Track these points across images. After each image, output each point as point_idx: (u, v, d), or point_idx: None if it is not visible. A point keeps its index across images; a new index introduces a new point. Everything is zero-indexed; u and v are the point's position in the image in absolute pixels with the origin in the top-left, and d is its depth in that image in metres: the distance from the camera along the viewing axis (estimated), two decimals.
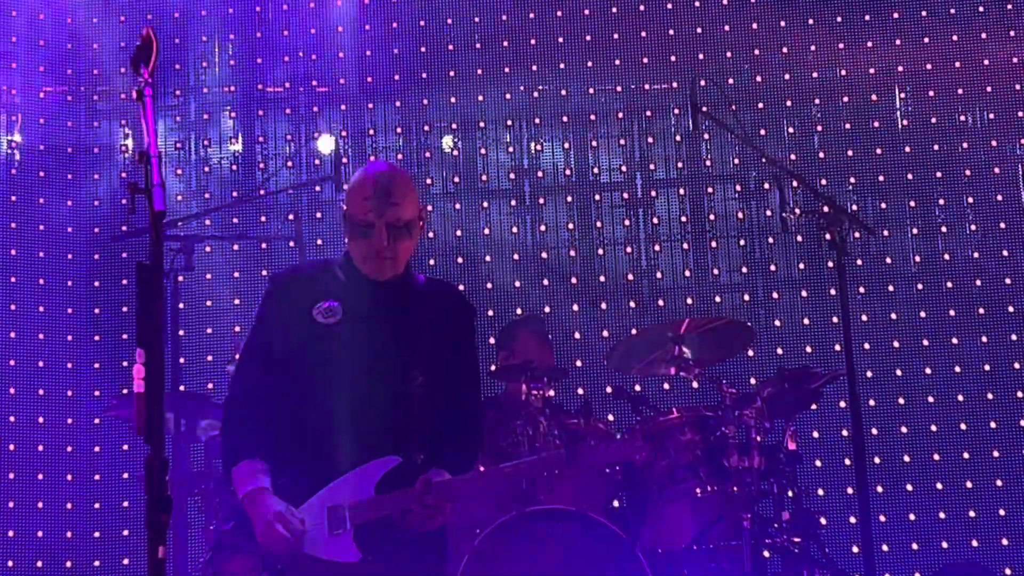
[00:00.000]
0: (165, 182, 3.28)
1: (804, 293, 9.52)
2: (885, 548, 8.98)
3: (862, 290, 9.38)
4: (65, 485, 9.38)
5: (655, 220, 9.83)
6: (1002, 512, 9.13)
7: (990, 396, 9.32)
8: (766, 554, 6.58)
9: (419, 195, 4.82)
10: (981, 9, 9.84)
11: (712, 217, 9.81)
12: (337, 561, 4.45)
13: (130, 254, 9.34)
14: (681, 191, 9.89)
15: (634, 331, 9.20)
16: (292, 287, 4.74)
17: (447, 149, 10.09)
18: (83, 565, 9.25)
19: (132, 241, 8.34)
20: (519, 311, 9.46)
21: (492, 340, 8.07)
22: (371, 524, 4.46)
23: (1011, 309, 9.43)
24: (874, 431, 9.14)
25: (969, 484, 9.20)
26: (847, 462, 8.66)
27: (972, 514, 9.16)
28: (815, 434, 9.12)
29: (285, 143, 10.08)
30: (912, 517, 9.19)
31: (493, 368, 7.30)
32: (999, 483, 9.16)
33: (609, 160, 10.05)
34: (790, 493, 6.67)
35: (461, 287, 9.01)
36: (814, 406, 7.01)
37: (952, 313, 9.46)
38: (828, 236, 6.36)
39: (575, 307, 9.61)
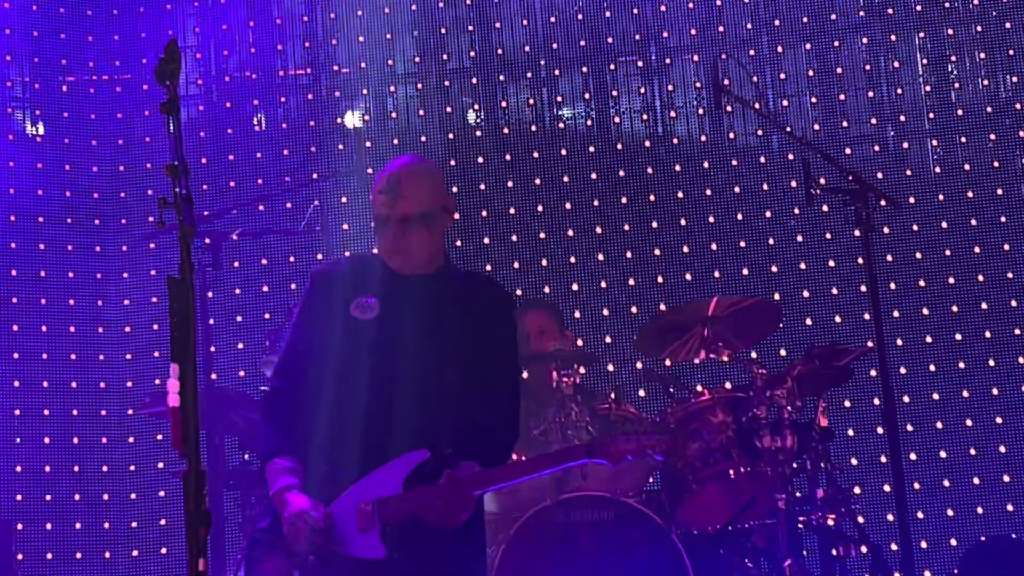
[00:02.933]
0: (192, 197, 3.29)
1: (831, 263, 9.47)
2: (920, 515, 8.98)
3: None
4: (101, 476, 9.45)
5: (680, 194, 9.78)
6: None
7: (1021, 360, 9.28)
8: (801, 532, 6.59)
9: (443, 180, 4.83)
10: None
11: (737, 189, 9.75)
12: (364, 558, 4.45)
13: (157, 245, 9.36)
14: (705, 164, 9.83)
15: (662, 307, 9.23)
16: (331, 283, 4.77)
17: (471, 122, 10.10)
18: (121, 555, 9.33)
19: (160, 233, 8.35)
20: (546, 289, 9.48)
21: None
22: (399, 520, 4.45)
23: None
24: (906, 399, 9.14)
25: (1003, 449, 9.17)
26: (879, 430, 8.61)
27: (1007, 479, 9.13)
28: (846, 403, 9.10)
29: (308, 128, 10.09)
30: (946, 483, 9.16)
31: None
32: None
33: (632, 133, 10.02)
34: (823, 466, 6.66)
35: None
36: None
37: (980, 279, 9.39)
38: (855, 211, 6.36)
39: (603, 284, 9.60)
